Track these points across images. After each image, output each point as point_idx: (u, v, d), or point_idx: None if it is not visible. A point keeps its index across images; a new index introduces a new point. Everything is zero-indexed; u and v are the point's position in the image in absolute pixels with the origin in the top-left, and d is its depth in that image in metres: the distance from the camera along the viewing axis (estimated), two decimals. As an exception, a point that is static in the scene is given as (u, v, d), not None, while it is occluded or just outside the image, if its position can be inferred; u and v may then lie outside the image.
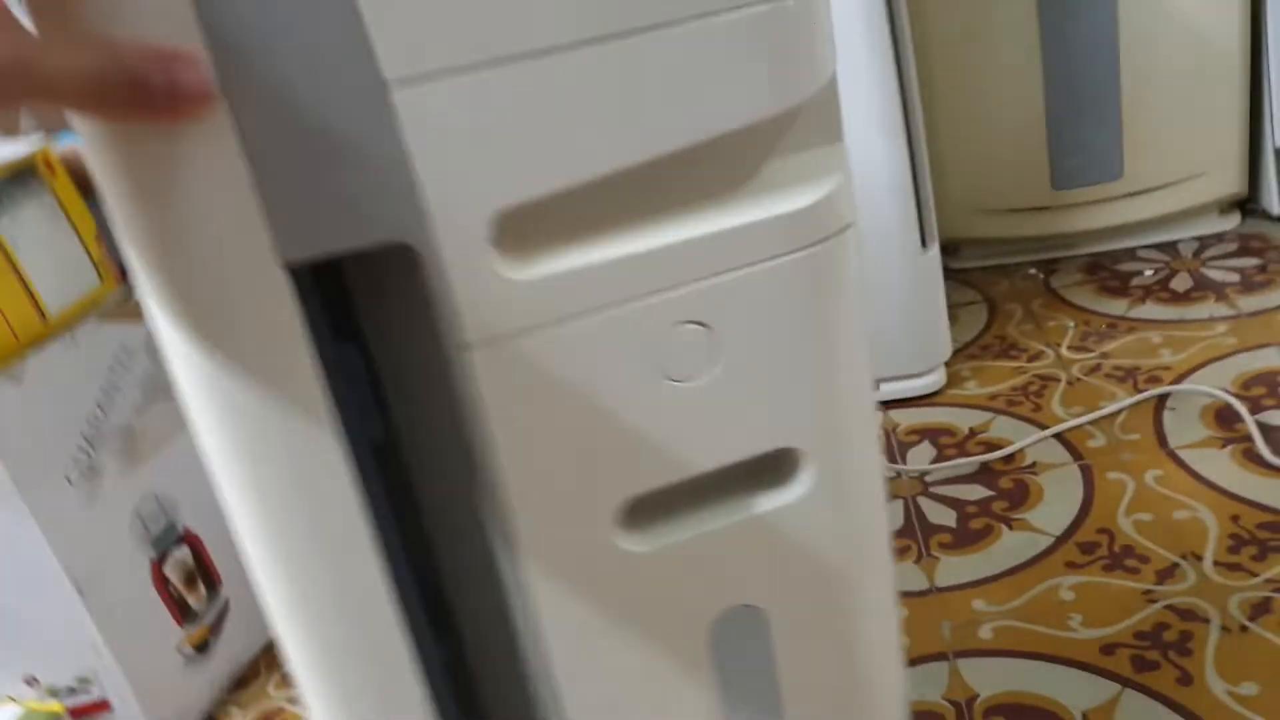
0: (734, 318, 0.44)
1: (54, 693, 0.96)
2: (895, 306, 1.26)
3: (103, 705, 0.96)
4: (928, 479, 1.14)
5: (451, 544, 0.47)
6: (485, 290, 0.41)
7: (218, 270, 0.38)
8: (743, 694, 0.53)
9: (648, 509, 0.48)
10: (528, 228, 0.42)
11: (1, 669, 0.95)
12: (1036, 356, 1.32)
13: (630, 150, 0.41)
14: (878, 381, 1.30)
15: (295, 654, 0.46)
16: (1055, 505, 1.05)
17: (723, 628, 0.51)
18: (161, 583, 0.99)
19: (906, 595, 0.97)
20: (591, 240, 0.43)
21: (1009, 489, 1.09)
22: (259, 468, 0.41)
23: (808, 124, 0.45)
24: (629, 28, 0.39)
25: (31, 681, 0.95)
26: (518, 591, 0.47)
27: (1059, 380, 1.26)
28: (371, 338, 0.44)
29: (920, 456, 1.18)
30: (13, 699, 0.96)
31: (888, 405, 1.30)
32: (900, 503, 1.11)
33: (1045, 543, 1.00)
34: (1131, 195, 1.46)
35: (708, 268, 0.43)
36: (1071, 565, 0.96)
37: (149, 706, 0.97)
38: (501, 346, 0.42)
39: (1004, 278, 1.55)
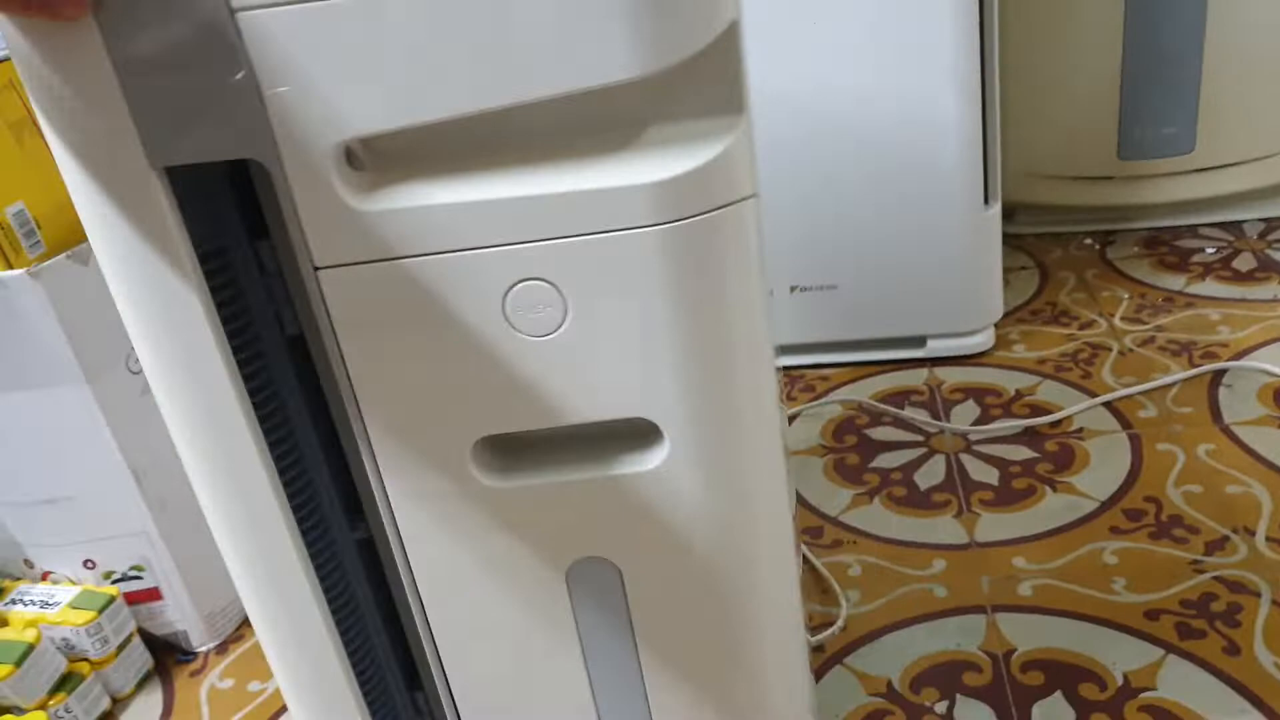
0: (586, 282, 0.43)
1: (110, 577, 0.96)
2: (950, 261, 1.23)
3: (154, 593, 0.97)
4: (971, 437, 1.12)
5: (350, 440, 0.49)
6: (329, 215, 0.42)
7: (95, 166, 0.41)
8: (603, 645, 0.53)
9: (507, 450, 0.48)
10: (376, 160, 0.43)
11: (63, 551, 0.96)
12: (1088, 325, 1.30)
13: (479, 97, 0.40)
14: (917, 339, 1.28)
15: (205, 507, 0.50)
16: (1101, 471, 1.03)
17: (580, 577, 0.51)
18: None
19: (945, 548, 0.96)
20: (440, 182, 0.42)
21: (1054, 452, 1.07)
22: (154, 353, 0.45)
23: (693, 88, 0.42)
24: None
25: (90, 565, 0.96)
26: (384, 501, 0.49)
27: (1110, 350, 1.23)
28: (276, 240, 0.45)
29: (964, 415, 1.16)
30: (72, 581, 0.97)
31: (934, 362, 1.28)
32: (941, 458, 1.09)
33: (1090, 507, 0.98)
34: (1200, 171, 1.42)
35: (559, 228, 0.42)
36: (1116, 530, 0.94)
37: (197, 598, 0.98)
38: (347, 273, 0.43)
39: (1059, 246, 1.51)
